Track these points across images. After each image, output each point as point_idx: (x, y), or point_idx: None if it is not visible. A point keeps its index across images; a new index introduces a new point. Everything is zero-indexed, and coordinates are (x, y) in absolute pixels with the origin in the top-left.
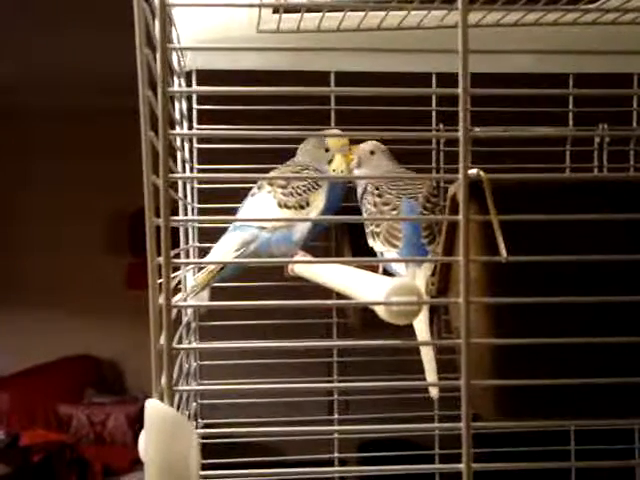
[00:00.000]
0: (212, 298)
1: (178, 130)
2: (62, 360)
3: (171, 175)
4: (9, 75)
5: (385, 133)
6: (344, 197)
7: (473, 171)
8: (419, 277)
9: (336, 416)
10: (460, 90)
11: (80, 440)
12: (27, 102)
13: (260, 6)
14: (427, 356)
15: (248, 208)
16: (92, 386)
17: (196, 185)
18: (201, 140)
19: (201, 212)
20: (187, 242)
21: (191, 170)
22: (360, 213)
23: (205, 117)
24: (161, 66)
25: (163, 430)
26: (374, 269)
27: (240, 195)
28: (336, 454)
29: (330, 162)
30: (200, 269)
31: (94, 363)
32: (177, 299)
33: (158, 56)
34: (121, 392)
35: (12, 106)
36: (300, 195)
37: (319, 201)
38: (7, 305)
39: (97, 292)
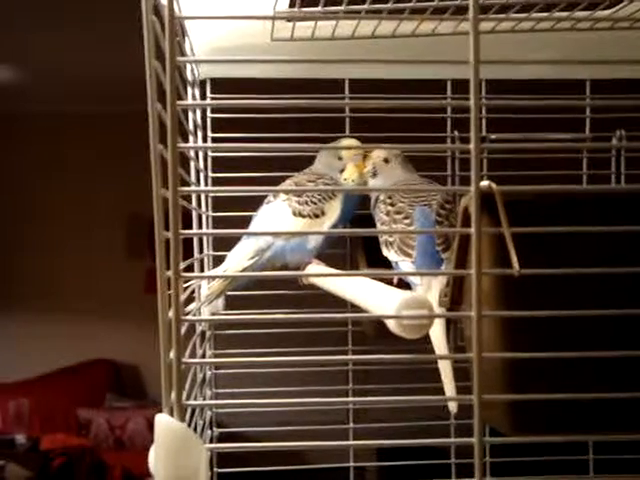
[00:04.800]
0: (226, 306)
1: (190, 143)
2: (82, 364)
3: (181, 188)
4: (37, 77)
5: (399, 146)
6: (359, 206)
7: (485, 183)
8: (434, 286)
9: (351, 425)
10: (472, 103)
11: (100, 444)
12: (53, 104)
13: (273, 19)
14: (445, 370)
15: (263, 216)
16: (112, 390)
17: (210, 194)
18: (216, 149)
19: (215, 220)
20: (201, 251)
21: (205, 179)
22: (374, 220)
23: (220, 123)
24: (170, 81)
25: (173, 445)
26: (389, 279)
27: (256, 202)
28: (352, 463)
29: (342, 171)
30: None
31: (114, 367)
32: (191, 308)
33: (167, 70)
34: (141, 396)
35: (38, 109)
36: (315, 204)
37: (334, 210)
38: (28, 309)
39: (118, 296)
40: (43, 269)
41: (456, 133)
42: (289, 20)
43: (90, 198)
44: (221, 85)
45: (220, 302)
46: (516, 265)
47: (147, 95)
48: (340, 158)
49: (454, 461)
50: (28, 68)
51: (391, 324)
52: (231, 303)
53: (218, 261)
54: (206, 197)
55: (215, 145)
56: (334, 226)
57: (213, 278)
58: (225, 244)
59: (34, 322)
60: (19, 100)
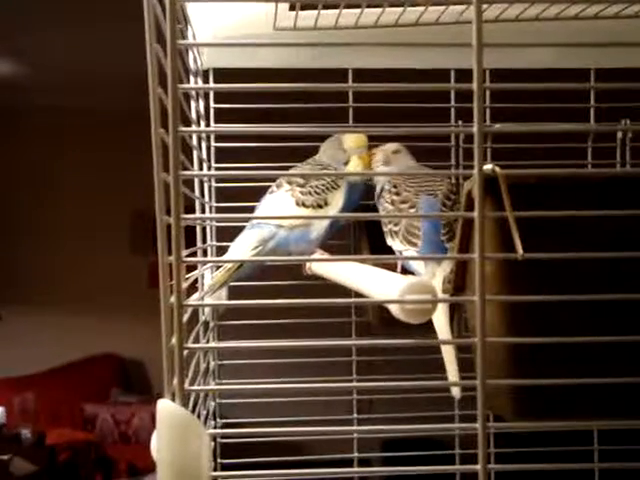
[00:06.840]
0: (230, 297)
1: (193, 127)
2: (87, 359)
3: (182, 172)
4: (47, 73)
5: (401, 129)
6: (362, 198)
7: (489, 166)
8: (438, 275)
9: (355, 415)
10: (475, 85)
11: (105, 439)
12: (57, 100)
13: (277, 1)
14: (448, 356)
15: (266, 206)
16: (117, 385)
17: (214, 184)
18: (219, 139)
19: (219, 211)
20: (204, 241)
21: (209, 169)
22: (377, 212)
23: (224, 116)
24: (171, 63)
25: (174, 430)
26: (393, 268)
27: (259, 193)
28: (356, 454)
29: (346, 163)
30: (218, 267)
31: (119, 362)
32: (194, 298)
33: (168, 51)
34: (146, 391)
35: (40, 103)
36: (318, 194)
37: (337, 201)
38: (32, 305)
39: (122, 291)
40: (48, 264)
41: (460, 123)
42: (292, 8)
43: (93, 194)
44: (224, 77)
45: (223, 293)
46: (520, 249)
47: (149, 83)
48: (344, 150)
49: (458, 452)
50: (29, 62)
51: (394, 309)
52: (234, 295)
53: (221, 251)
54: (209, 187)
55: (217, 129)
56: None
57: (215, 263)
58: (228, 234)
59: (39, 317)
60: (20, 94)
